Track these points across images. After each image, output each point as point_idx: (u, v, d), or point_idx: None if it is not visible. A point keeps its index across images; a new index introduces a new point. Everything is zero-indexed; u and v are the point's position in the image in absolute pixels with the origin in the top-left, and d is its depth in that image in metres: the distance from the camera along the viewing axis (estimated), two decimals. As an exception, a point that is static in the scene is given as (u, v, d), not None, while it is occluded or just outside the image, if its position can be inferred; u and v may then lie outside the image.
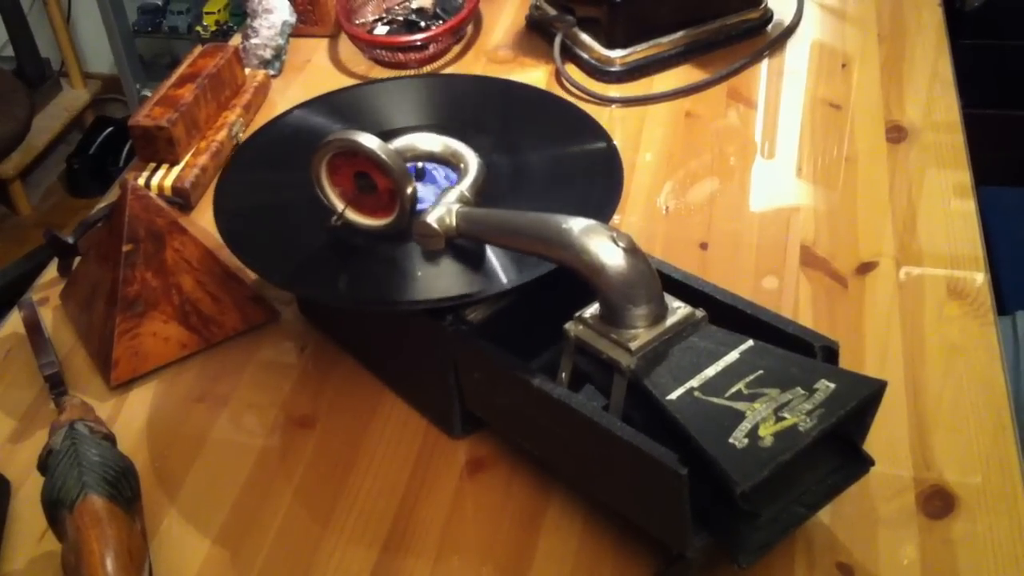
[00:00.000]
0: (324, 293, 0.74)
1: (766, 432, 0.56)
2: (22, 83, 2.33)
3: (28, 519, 0.72)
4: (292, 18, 1.17)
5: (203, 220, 0.96)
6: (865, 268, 0.87)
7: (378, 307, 0.72)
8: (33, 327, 0.85)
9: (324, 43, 1.24)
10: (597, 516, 0.69)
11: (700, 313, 0.64)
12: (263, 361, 0.83)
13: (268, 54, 1.16)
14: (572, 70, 1.14)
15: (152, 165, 1.00)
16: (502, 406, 0.70)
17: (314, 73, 1.19)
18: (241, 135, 1.06)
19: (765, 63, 1.14)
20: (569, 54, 1.15)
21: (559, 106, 0.89)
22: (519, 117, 0.86)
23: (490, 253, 0.72)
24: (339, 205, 0.75)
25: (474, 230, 0.69)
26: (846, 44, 1.16)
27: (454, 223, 0.70)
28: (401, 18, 1.23)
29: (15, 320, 0.88)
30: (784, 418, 0.57)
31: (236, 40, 1.21)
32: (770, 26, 1.19)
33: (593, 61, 1.13)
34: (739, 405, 0.58)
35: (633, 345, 0.61)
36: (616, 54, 1.11)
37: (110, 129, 2.64)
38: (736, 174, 0.99)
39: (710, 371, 0.61)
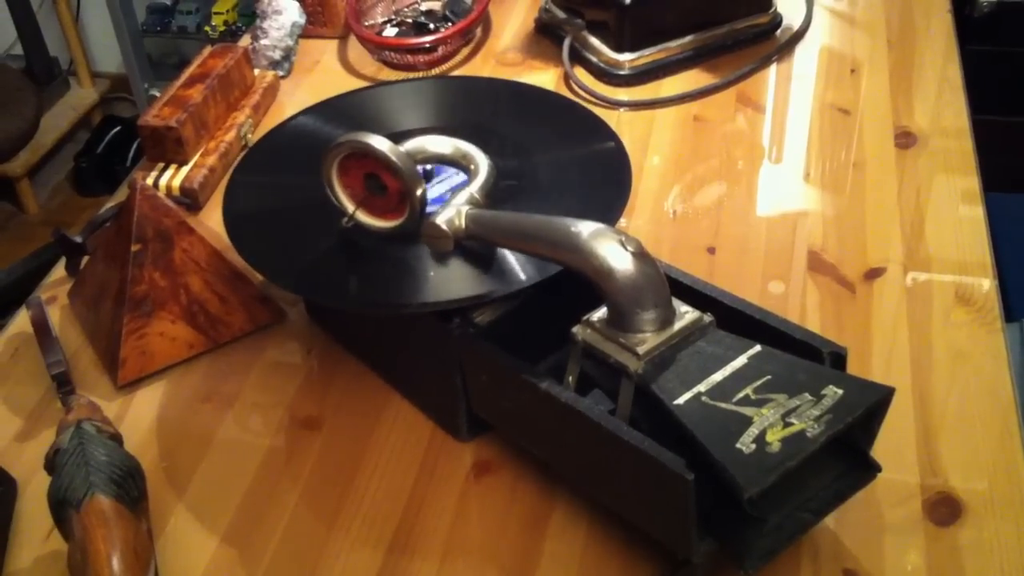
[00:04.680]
0: (331, 297, 0.74)
1: (773, 438, 0.56)
2: (30, 82, 2.33)
3: (34, 518, 0.72)
4: (301, 19, 1.18)
5: (211, 220, 0.96)
6: (873, 274, 0.87)
7: (386, 309, 0.72)
8: (41, 326, 0.85)
9: (333, 44, 1.24)
10: (602, 520, 0.69)
11: (708, 318, 0.64)
12: (269, 362, 0.83)
13: (277, 55, 1.16)
14: (581, 73, 1.14)
15: (160, 165, 1.01)
16: (508, 409, 0.70)
17: (323, 74, 1.19)
18: (250, 136, 1.07)
19: (774, 68, 1.14)
20: (578, 57, 1.15)
21: (568, 109, 0.89)
22: (528, 119, 0.86)
23: (499, 255, 0.72)
24: (349, 206, 0.75)
25: (483, 232, 0.69)
26: (855, 49, 1.16)
27: (463, 225, 0.70)
28: (410, 20, 1.23)
29: (23, 319, 0.88)
30: (792, 424, 0.57)
31: (245, 41, 1.21)
32: (779, 31, 1.19)
33: (602, 64, 1.13)
34: (747, 410, 0.58)
35: (641, 349, 0.61)
36: (625, 57, 1.12)
37: (118, 128, 2.64)
38: (744, 178, 0.99)
39: (718, 376, 0.61)
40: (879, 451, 0.63)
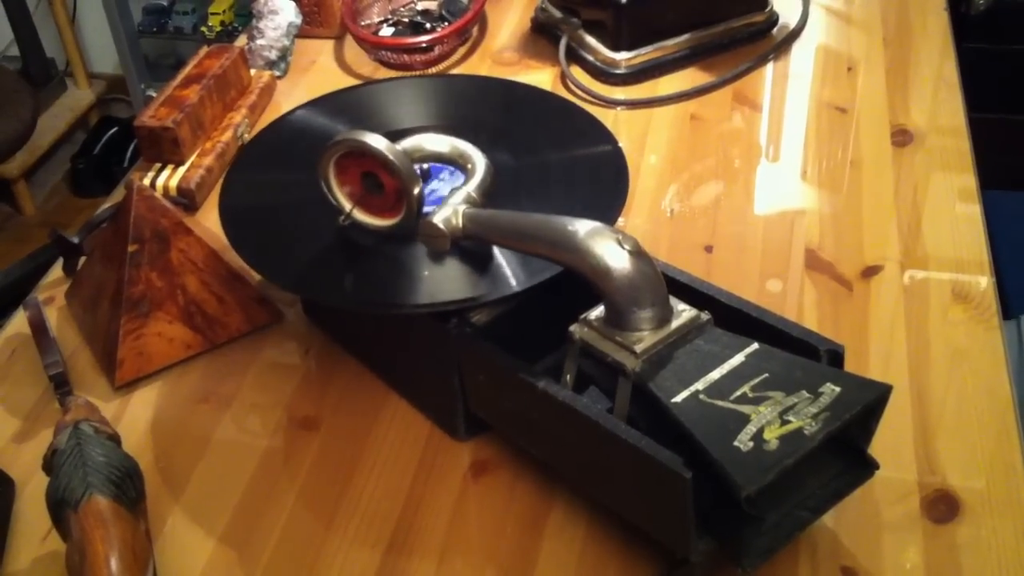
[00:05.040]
0: (328, 295, 0.73)
1: (771, 436, 0.56)
2: (27, 83, 2.33)
3: (32, 519, 0.72)
4: (298, 19, 1.17)
5: (208, 221, 0.96)
6: (870, 272, 0.87)
7: (382, 309, 0.72)
8: (38, 327, 0.85)
9: (329, 44, 1.24)
10: (601, 519, 0.69)
11: (705, 316, 0.64)
12: (267, 362, 0.83)
13: (273, 55, 1.16)
14: (577, 72, 1.14)
15: (157, 166, 1.01)
16: (506, 409, 0.70)
17: (319, 74, 1.19)
18: (246, 136, 1.07)
19: (770, 66, 1.14)
20: (574, 56, 1.15)
21: (565, 108, 0.89)
22: (526, 119, 0.86)
23: (497, 255, 0.72)
24: (346, 205, 0.75)
25: (480, 231, 0.69)
26: (851, 48, 1.16)
27: (460, 224, 0.70)
28: (406, 20, 1.23)
29: (20, 320, 0.88)
30: (789, 422, 0.57)
31: (242, 41, 1.21)
32: (775, 29, 1.19)
33: (598, 63, 1.13)
34: (744, 408, 0.58)
35: (638, 348, 0.61)
36: (621, 56, 1.12)
37: (115, 129, 2.64)
38: (741, 177, 0.99)
39: (715, 374, 0.61)
40: (877, 449, 0.63)
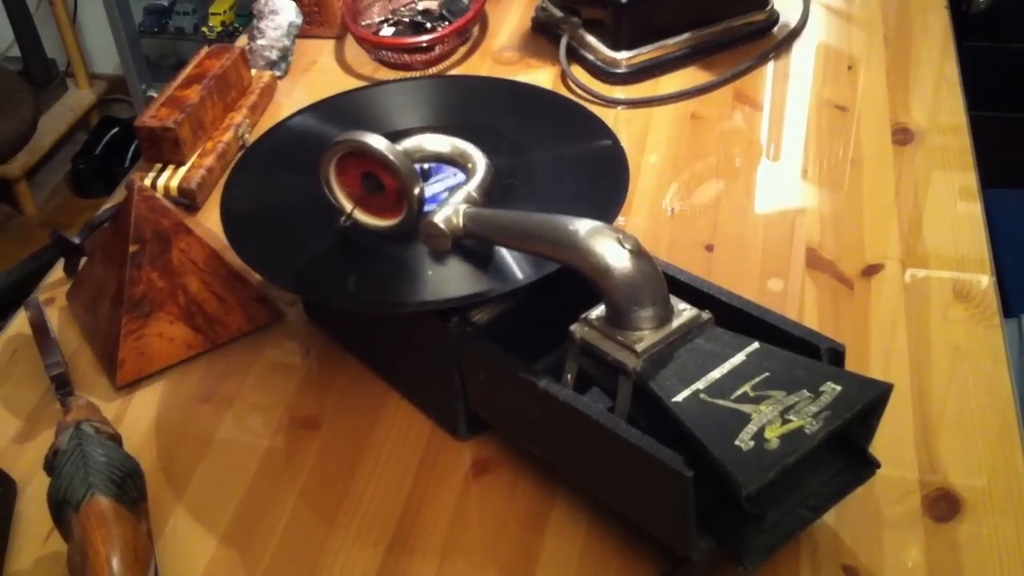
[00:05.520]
0: (329, 296, 0.73)
1: (772, 435, 0.56)
2: (28, 83, 2.33)
3: (34, 519, 0.72)
4: (298, 19, 1.17)
5: (209, 221, 0.96)
6: (871, 270, 0.87)
7: (384, 309, 0.72)
8: (39, 327, 0.85)
9: (330, 44, 1.24)
10: (602, 518, 0.69)
11: (706, 315, 0.64)
12: (268, 362, 0.83)
13: (274, 55, 1.16)
14: (578, 72, 1.14)
15: (158, 166, 1.01)
16: (507, 408, 0.70)
17: (320, 74, 1.19)
18: (247, 136, 1.07)
19: (771, 65, 1.14)
20: (575, 56, 1.15)
21: (566, 106, 0.89)
22: (526, 117, 0.86)
23: (497, 254, 0.72)
24: (347, 205, 0.75)
25: (481, 231, 0.69)
26: (852, 46, 1.16)
27: (461, 223, 0.70)
28: (407, 19, 1.23)
29: (21, 320, 0.88)
30: (790, 420, 0.57)
31: (242, 41, 1.21)
32: (776, 28, 1.19)
33: (599, 63, 1.13)
34: (745, 407, 0.58)
35: (639, 347, 0.61)
36: (622, 56, 1.12)
37: (116, 129, 2.64)
38: (741, 176, 0.99)
39: (716, 373, 0.61)
40: (878, 448, 0.63)
